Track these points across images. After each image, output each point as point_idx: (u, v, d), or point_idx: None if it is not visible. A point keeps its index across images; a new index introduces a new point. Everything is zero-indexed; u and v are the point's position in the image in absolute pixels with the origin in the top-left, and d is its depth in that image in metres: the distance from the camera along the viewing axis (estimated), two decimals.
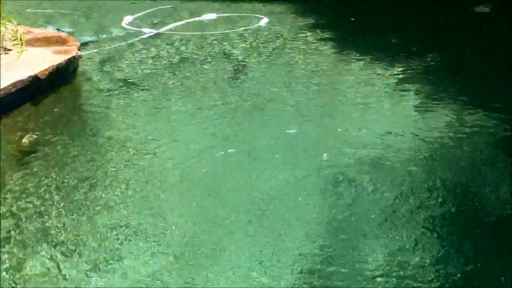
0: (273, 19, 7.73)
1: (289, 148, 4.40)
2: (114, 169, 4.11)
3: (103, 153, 4.34)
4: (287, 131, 4.66)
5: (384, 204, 3.70)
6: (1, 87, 4.77)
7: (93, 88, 5.55)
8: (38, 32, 6.37)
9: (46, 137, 4.51)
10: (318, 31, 7.22)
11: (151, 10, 8.20)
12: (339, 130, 4.69)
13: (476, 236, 3.44)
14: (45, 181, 3.94)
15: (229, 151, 4.34)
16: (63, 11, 8.39)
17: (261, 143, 4.46)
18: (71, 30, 7.33)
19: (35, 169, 4.08)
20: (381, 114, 5.02)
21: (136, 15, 7.92)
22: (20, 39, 5.76)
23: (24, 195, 3.78)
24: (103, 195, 3.79)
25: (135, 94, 5.40)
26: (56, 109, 5.02)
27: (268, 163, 4.19)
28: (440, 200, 3.74)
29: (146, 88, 5.54)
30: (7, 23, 5.91)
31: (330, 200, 3.75)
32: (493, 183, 3.93)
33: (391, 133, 4.63)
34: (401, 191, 3.83)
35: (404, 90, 5.49)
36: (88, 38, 6.95)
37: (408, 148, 4.40)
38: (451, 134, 4.62)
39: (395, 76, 5.82)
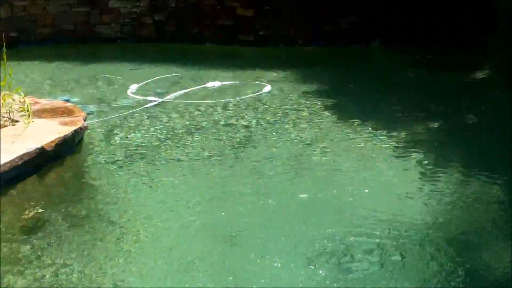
0: (275, 86, 7.86)
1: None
2: (116, 249, 4.10)
3: (105, 233, 4.34)
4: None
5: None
6: (9, 160, 4.83)
7: (98, 159, 5.61)
8: (45, 102, 6.49)
9: (49, 212, 4.54)
10: (320, 98, 7.33)
11: (156, 78, 8.34)
12: (366, 191, 4.72)
13: None
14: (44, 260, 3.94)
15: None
16: (70, 79, 8.56)
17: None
18: (77, 99, 7.47)
19: (35, 247, 4.09)
20: (385, 181, 5.06)
21: (141, 84, 8.06)
22: (27, 111, 5.86)
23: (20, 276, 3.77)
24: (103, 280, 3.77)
25: (140, 167, 5.45)
26: (61, 182, 5.07)
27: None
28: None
29: (150, 159, 5.60)
30: (14, 94, 6.02)
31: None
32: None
33: (398, 198, 4.68)
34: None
35: (407, 157, 5.53)
36: (93, 108, 7.07)
37: (415, 215, 4.42)
38: (456, 200, 4.65)
39: (398, 142, 5.87)
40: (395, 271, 3.78)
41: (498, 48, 8.75)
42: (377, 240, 4.13)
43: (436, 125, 6.41)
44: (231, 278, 3.75)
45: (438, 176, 5.11)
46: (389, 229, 4.26)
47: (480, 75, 8.36)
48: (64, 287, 3.68)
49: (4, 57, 5.68)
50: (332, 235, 4.19)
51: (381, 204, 4.62)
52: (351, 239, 4.14)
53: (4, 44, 5.61)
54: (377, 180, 5.09)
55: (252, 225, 4.38)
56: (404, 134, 6.07)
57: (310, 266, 3.85)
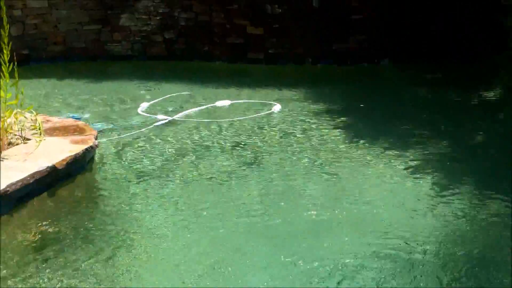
0: (285, 105, 7.87)
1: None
2: (126, 267, 4.10)
3: (115, 251, 4.34)
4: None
5: None
6: (20, 178, 4.85)
7: (108, 178, 5.63)
8: (57, 121, 6.52)
9: (59, 230, 4.56)
10: (329, 117, 7.34)
11: (167, 96, 8.37)
12: (377, 210, 4.72)
13: None
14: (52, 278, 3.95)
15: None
16: (81, 97, 8.61)
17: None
18: (87, 116, 7.51)
19: (43, 265, 4.09)
20: (397, 200, 5.06)
21: (152, 102, 8.09)
22: (39, 129, 5.88)
23: None
24: None
25: (150, 185, 5.46)
26: (72, 200, 5.09)
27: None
28: None
29: (161, 178, 5.61)
30: (26, 112, 6.05)
31: None
32: None
33: (410, 217, 4.68)
34: None
35: (418, 178, 5.52)
36: (104, 126, 7.10)
37: (428, 235, 4.42)
38: (469, 219, 4.66)
39: (409, 161, 5.88)
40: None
41: (507, 67, 8.74)
42: (392, 255, 4.12)
43: (447, 144, 6.40)
44: None
45: (450, 196, 5.11)
46: (402, 246, 4.25)
47: (489, 94, 8.35)
48: None
49: (16, 75, 5.70)
50: (347, 252, 4.19)
51: (394, 223, 4.62)
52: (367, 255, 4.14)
53: (16, 62, 5.62)
54: (389, 199, 5.08)
55: (260, 243, 4.37)
56: (416, 153, 6.07)
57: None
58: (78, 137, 5.89)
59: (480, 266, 4.06)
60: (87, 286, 3.89)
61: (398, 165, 5.83)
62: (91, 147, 5.73)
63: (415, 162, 5.89)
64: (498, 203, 4.93)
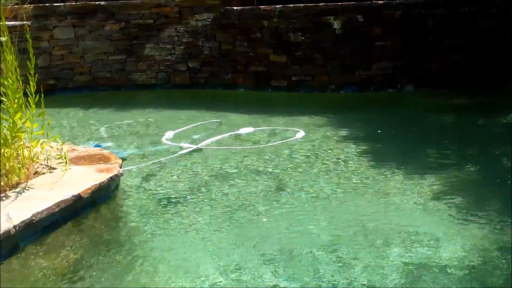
0: (309, 132, 7.87)
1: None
2: None
3: (140, 281, 4.33)
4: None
5: None
6: (45, 207, 4.87)
7: (133, 206, 5.65)
8: (82, 149, 6.58)
9: (85, 259, 4.56)
10: (353, 143, 7.32)
11: (193, 125, 8.43)
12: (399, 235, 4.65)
13: None
14: None
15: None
16: (106, 125, 8.70)
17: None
18: (112, 145, 7.59)
19: None
20: (419, 227, 4.98)
21: (177, 131, 8.15)
22: (65, 158, 5.94)
23: None
24: None
25: (174, 214, 5.46)
26: (97, 229, 5.11)
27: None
28: None
29: (186, 207, 5.61)
30: (52, 142, 6.12)
31: None
32: None
33: (433, 244, 4.63)
34: None
35: (442, 203, 5.46)
36: (129, 155, 7.16)
37: (450, 261, 4.35)
38: (492, 247, 4.57)
39: (433, 188, 5.81)
40: None
41: None
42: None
43: (471, 170, 6.33)
44: None
45: (474, 223, 5.02)
46: (420, 271, 4.21)
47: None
48: None
49: (42, 106, 5.78)
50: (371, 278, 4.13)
51: (412, 248, 4.58)
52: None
53: (42, 92, 5.71)
54: (410, 224, 5.02)
55: (285, 275, 4.34)
56: (438, 180, 6.00)
57: None
58: (103, 166, 5.93)
59: None
60: None
61: (422, 190, 5.76)
62: (116, 175, 5.75)
63: (439, 187, 5.82)
64: None
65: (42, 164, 5.84)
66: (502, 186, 5.87)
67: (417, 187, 5.85)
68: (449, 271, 4.27)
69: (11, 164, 5.35)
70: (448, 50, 9.59)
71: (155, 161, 6.88)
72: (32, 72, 5.72)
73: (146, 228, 5.20)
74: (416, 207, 5.42)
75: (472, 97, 9.18)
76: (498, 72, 9.39)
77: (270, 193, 5.90)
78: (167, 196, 5.88)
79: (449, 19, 9.53)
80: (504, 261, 4.39)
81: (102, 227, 5.18)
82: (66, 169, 5.73)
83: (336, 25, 9.89)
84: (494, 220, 5.03)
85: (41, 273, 4.38)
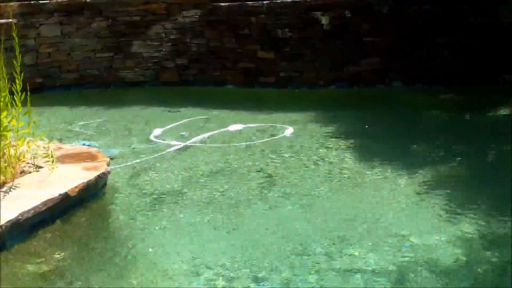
0: (297, 129, 7.86)
1: None
2: None
3: (128, 279, 4.29)
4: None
5: None
6: (32, 206, 4.84)
7: (121, 204, 5.61)
8: (69, 148, 6.54)
9: (72, 258, 4.53)
10: (342, 140, 7.30)
11: (181, 122, 8.39)
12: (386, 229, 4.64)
13: None
14: None
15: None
16: (94, 123, 8.65)
17: None
18: (100, 143, 7.53)
19: None
20: (408, 224, 4.98)
21: (165, 128, 8.10)
22: (51, 156, 5.89)
23: None
24: None
25: (163, 212, 5.43)
26: (85, 227, 5.07)
27: None
28: None
29: (174, 204, 5.58)
30: (39, 140, 6.07)
31: None
32: None
33: (421, 239, 4.64)
34: None
35: (430, 197, 5.47)
36: (117, 152, 7.11)
37: (438, 256, 4.36)
38: (481, 241, 4.59)
39: (421, 183, 5.82)
40: None
41: None
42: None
43: (460, 166, 6.34)
44: None
45: (463, 217, 5.03)
46: (409, 266, 4.22)
47: (503, 114, 8.28)
48: None
49: (28, 104, 5.74)
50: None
51: (402, 243, 4.60)
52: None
53: (29, 90, 5.66)
54: (399, 222, 5.01)
55: (277, 269, 4.32)
56: (427, 175, 6.01)
57: None
58: (90, 164, 5.89)
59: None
60: None
61: (411, 185, 5.77)
62: (104, 173, 5.72)
63: (427, 182, 5.83)
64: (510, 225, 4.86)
65: (28, 163, 5.80)
66: (491, 182, 5.89)
67: (406, 182, 5.85)
68: (437, 266, 4.27)
69: None
70: (438, 46, 9.58)
71: (144, 158, 6.84)
72: (18, 70, 5.67)
73: (135, 225, 5.16)
74: (405, 202, 5.42)
75: (462, 94, 9.18)
76: (489, 69, 9.40)
77: (259, 189, 5.88)
78: (156, 193, 5.85)
79: (439, 15, 9.52)
80: (492, 255, 4.40)
81: (90, 225, 5.15)
82: (53, 168, 5.69)
83: (324, 21, 9.87)
84: (483, 215, 5.04)
85: (28, 273, 4.34)
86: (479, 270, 4.21)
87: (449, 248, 4.51)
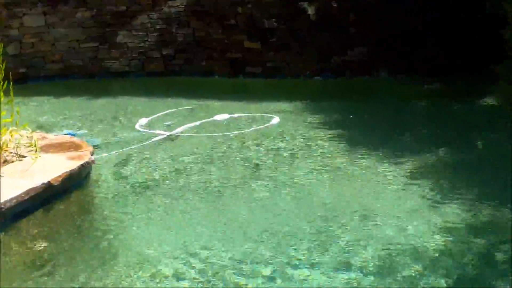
0: (284, 118, 7.83)
1: None
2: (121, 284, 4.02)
3: (111, 268, 4.24)
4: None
5: None
6: (15, 195, 4.78)
7: (105, 193, 5.56)
8: (52, 137, 6.48)
9: (55, 247, 4.48)
10: (328, 129, 7.31)
11: (165, 112, 8.33)
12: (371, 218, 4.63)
13: None
14: None
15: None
16: (78, 114, 8.57)
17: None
18: (84, 132, 7.47)
19: (39, 283, 4.02)
20: (391, 209, 4.99)
21: (151, 118, 8.05)
22: (35, 146, 5.83)
23: None
24: None
25: (147, 201, 5.39)
26: (68, 217, 5.02)
27: None
28: None
29: (158, 193, 5.54)
30: (22, 130, 6.01)
31: None
32: None
33: (406, 226, 4.64)
34: None
35: (415, 185, 5.48)
36: (101, 142, 7.05)
37: (423, 243, 4.37)
38: (465, 227, 4.60)
39: (406, 171, 5.82)
40: None
41: (506, 77, 8.72)
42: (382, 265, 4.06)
43: (445, 154, 6.34)
44: None
45: (447, 205, 5.03)
46: (394, 256, 4.21)
47: (488, 104, 8.30)
48: None
49: (11, 93, 5.67)
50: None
51: (388, 230, 4.59)
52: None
53: (12, 80, 5.60)
54: (383, 209, 5.01)
55: (260, 255, 4.30)
56: (413, 164, 6.02)
57: None
58: (74, 154, 5.84)
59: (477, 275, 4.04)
60: None
61: (394, 173, 5.78)
62: (87, 163, 5.67)
63: (413, 170, 5.84)
64: (496, 211, 4.86)
65: (11, 153, 5.73)
66: (476, 170, 5.90)
67: (392, 171, 5.86)
68: (422, 252, 4.27)
69: None
70: (424, 37, 9.58)
71: (129, 148, 6.78)
72: None
73: (118, 214, 5.12)
74: (391, 190, 5.43)
75: (448, 84, 9.20)
76: (474, 59, 9.40)
77: (245, 178, 5.86)
78: (140, 182, 5.80)
79: (424, 5, 9.51)
80: (477, 242, 4.40)
81: (74, 214, 5.10)
82: (37, 157, 5.64)
83: (311, 11, 9.83)
84: (468, 203, 5.04)
85: (10, 261, 4.29)
86: (464, 257, 4.22)
87: (434, 234, 4.52)
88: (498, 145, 6.55)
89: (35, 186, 4.99)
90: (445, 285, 3.87)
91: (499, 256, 4.22)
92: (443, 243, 4.39)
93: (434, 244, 4.37)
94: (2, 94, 5.62)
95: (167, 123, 7.81)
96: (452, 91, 8.99)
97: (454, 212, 4.88)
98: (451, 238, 4.45)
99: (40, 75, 10.64)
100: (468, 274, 4.02)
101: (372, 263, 4.15)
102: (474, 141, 6.74)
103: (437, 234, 4.52)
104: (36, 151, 5.75)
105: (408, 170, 5.84)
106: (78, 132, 7.50)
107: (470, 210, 4.91)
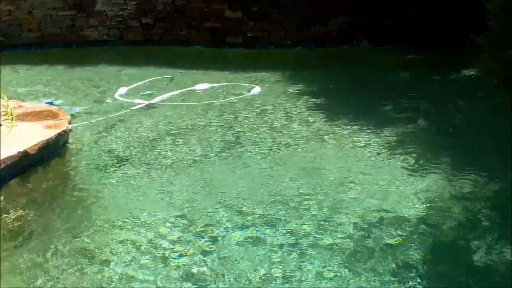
0: (264, 88, 7.78)
1: None
2: (102, 254, 3.99)
3: (87, 236, 4.22)
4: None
5: None
6: None
7: (82, 162, 5.51)
8: (29, 106, 6.37)
9: (31, 215, 4.44)
10: (308, 99, 7.27)
11: (146, 81, 8.24)
12: (351, 186, 4.63)
13: None
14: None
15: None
16: (56, 82, 8.45)
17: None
18: (62, 102, 7.37)
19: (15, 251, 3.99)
20: (372, 178, 5.01)
21: (130, 87, 7.95)
22: (11, 115, 5.73)
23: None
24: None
25: (125, 169, 5.35)
26: (44, 185, 4.97)
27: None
28: None
29: (136, 162, 5.50)
30: None
31: None
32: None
33: (385, 195, 4.67)
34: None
35: (395, 154, 5.48)
36: (80, 111, 6.96)
37: (402, 210, 4.40)
38: (443, 196, 4.62)
39: (386, 141, 5.83)
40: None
41: (487, 48, 8.70)
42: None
43: (424, 124, 6.35)
44: None
45: (426, 174, 5.05)
46: (374, 221, 4.25)
47: (468, 75, 8.30)
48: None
49: None
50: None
51: (367, 201, 4.60)
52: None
53: None
54: (364, 177, 5.03)
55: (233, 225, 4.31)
56: (393, 133, 6.03)
57: None
58: (51, 122, 5.75)
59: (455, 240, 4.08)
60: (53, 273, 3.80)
61: (376, 143, 5.78)
62: (64, 131, 5.60)
63: (393, 140, 5.84)
64: (474, 179, 4.89)
65: None
66: (455, 139, 5.91)
67: (372, 140, 5.86)
68: (402, 219, 4.30)
69: None
70: (406, 7, 9.52)
71: (107, 117, 6.71)
72: None
73: (95, 183, 5.09)
74: (370, 159, 5.43)
75: (430, 54, 9.17)
76: (456, 30, 9.38)
77: (226, 147, 5.83)
78: (117, 151, 5.76)
79: None
80: (455, 210, 4.43)
81: (50, 183, 5.05)
82: (12, 126, 5.55)
83: None
84: (445, 171, 5.06)
85: None
86: (443, 224, 4.24)
87: (413, 203, 4.53)
88: (477, 116, 6.56)
89: (11, 154, 4.92)
90: (424, 252, 3.88)
91: (478, 222, 4.25)
92: (423, 211, 4.40)
93: (413, 212, 4.38)
94: None
95: (146, 92, 7.73)
96: (433, 62, 8.97)
97: (433, 181, 4.90)
98: (430, 206, 4.47)
99: (17, 44, 10.46)
100: (448, 241, 4.04)
101: (352, 231, 4.16)
102: (453, 112, 6.73)
103: (417, 202, 4.53)
104: (12, 119, 5.65)
105: (388, 140, 5.84)
106: (56, 101, 7.39)
107: (449, 178, 4.93)
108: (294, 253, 3.93)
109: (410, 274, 3.68)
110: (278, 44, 9.94)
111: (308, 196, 4.70)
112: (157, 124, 6.52)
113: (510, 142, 5.57)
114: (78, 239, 4.16)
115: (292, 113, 6.78)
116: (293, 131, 6.20)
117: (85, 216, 4.49)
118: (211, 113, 6.85)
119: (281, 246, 4.01)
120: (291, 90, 7.68)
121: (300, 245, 4.02)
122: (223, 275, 3.72)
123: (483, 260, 3.81)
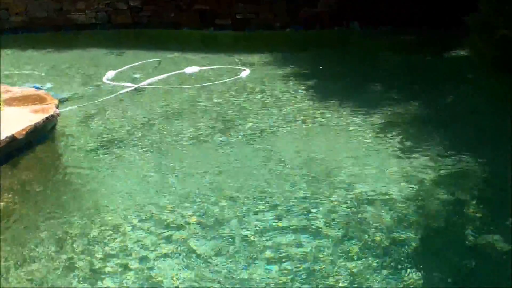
0: (254, 70, 7.75)
1: None
2: (93, 239, 3.99)
3: (74, 221, 4.21)
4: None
5: None
6: None
7: (70, 147, 5.49)
8: (17, 90, 6.33)
9: (19, 200, 4.42)
10: (297, 81, 7.25)
11: (135, 64, 8.18)
12: (342, 167, 4.63)
13: None
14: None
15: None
16: (44, 67, 8.38)
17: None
18: (50, 86, 7.31)
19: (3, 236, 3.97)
20: (362, 159, 5.02)
21: (118, 70, 7.90)
22: None
23: None
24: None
25: (113, 153, 5.33)
26: (32, 170, 4.94)
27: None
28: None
29: (124, 146, 5.49)
30: None
31: None
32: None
33: (375, 175, 4.70)
34: None
35: (385, 136, 5.49)
36: (68, 95, 6.91)
37: (391, 191, 4.42)
38: (432, 176, 4.65)
39: (376, 122, 5.83)
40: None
41: (476, 29, 8.69)
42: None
43: (413, 106, 6.34)
44: None
45: (415, 156, 5.05)
46: (364, 203, 4.28)
47: (459, 56, 8.29)
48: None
49: None
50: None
51: (357, 181, 4.61)
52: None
53: None
54: (352, 160, 5.03)
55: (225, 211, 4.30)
56: (383, 115, 6.03)
57: None
58: (38, 107, 5.72)
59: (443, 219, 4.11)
60: (45, 252, 3.80)
61: (365, 125, 5.77)
62: (52, 116, 5.56)
63: (382, 122, 5.83)
64: (463, 162, 4.90)
65: None
66: (446, 122, 5.91)
67: (361, 122, 5.85)
68: (389, 200, 4.32)
69: None
70: None
71: (95, 101, 6.67)
72: None
73: (83, 167, 5.07)
74: (360, 140, 5.43)
75: (419, 36, 9.14)
76: (448, 11, 9.34)
77: (214, 130, 5.81)
78: (105, 135, 5.74)
79: None
80: (443, 192, 4.44)
81: (38, 168, 5.02)
82: (0, 110, 5.50)
83: None
84: (435, 154, 5.07)
85: None
86: (431, 207, 4.25)
87: (402, 184, 4.54)
88: (466, 97, 6.57)
89: None
90: (413, 235, 3.89)
91: (466, 205, 4.26)
92: (411, 193, 4.41)
93: (402, 194, 4.38)
94: None
95: (134, 76, 7.68)
96: (424, 43, 8.94)
97: (422, 164, 4.90)
98: (419, 188, 4.47)
99: (4, 28, 10.35)
100: (436, 223, 4.06)
101: (340, 213, 4.17)
102: (443, 93, 6.73)
103: (406, 184, 4.54)
104: None
105: (378, 122, 5.84)
106: (44, 85, 7.33)
107: (438, 161, 4.93)
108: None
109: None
110: (267, 27, 9.88)
111: (294, 178, 4.71)
112: (145, 108, 6.49)
113: (499, 124, 5.58)
114: (64, 222, 4.14)
115: (280, 96, 6.75)
116: (281, 115, 6.18)
117: (71, 200, 4.47)
118: (200, 96, 6.82)
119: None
120: (280, 72, 7.65)
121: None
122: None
123: (471, 239, 3.83)
